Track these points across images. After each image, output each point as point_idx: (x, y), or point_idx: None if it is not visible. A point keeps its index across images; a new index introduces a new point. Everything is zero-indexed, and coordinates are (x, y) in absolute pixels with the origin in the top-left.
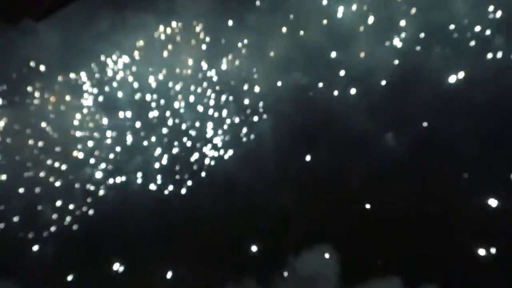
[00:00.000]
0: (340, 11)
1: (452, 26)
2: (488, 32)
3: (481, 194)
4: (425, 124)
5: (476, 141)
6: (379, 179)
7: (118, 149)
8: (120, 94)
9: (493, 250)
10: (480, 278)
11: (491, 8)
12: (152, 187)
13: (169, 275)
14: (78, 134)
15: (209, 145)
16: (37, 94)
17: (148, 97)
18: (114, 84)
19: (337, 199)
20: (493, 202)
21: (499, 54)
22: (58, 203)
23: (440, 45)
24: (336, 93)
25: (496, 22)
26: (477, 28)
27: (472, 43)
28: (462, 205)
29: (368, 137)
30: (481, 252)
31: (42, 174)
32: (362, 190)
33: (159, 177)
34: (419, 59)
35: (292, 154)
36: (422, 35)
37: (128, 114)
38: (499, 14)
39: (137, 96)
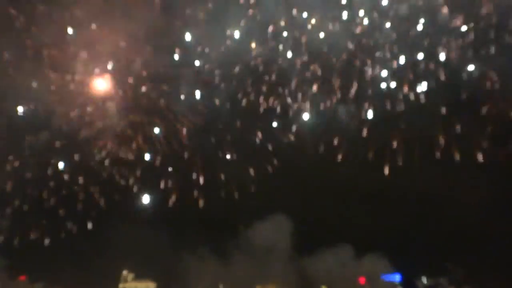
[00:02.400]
0: None
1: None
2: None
3: (430, 166)
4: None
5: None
6: (334, 150)
7: None
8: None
9: (442, 224)
10: (425, 246)
11: None
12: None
13: (128, 242)
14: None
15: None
16: None
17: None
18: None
19: (291, 170)
20: (444, 173)
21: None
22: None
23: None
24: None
25: None
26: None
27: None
28: (412, 176)
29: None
30: (430, 221)
31: None
32: (316, 161)
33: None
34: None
35: (249, 125)
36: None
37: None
38: None
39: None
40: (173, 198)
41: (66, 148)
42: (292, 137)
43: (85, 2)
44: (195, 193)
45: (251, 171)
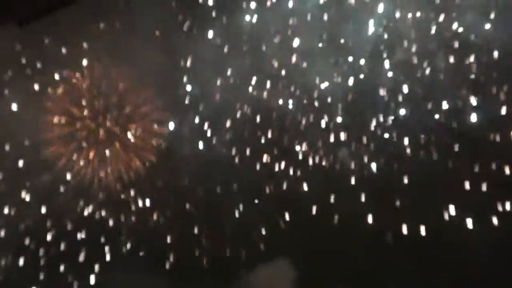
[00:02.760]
0: None
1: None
2: None
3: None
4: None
5: None
6: (335, 194)
7: None
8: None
9: (448, 269)
10: None
11: None
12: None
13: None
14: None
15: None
16: None
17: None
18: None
19: (294, 214)
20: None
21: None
22: None
23: None
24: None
25: None
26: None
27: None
28: (417, 224)
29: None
30: (435, 265)
31: None
32: (318, 206)
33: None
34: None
35: (249, 165)
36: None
37: None
38: None
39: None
40: (171, 259)
41: (68, 194)
42: (302, 187)
43: (91, 43)
44: (197, 252)
45: (262, 228)
